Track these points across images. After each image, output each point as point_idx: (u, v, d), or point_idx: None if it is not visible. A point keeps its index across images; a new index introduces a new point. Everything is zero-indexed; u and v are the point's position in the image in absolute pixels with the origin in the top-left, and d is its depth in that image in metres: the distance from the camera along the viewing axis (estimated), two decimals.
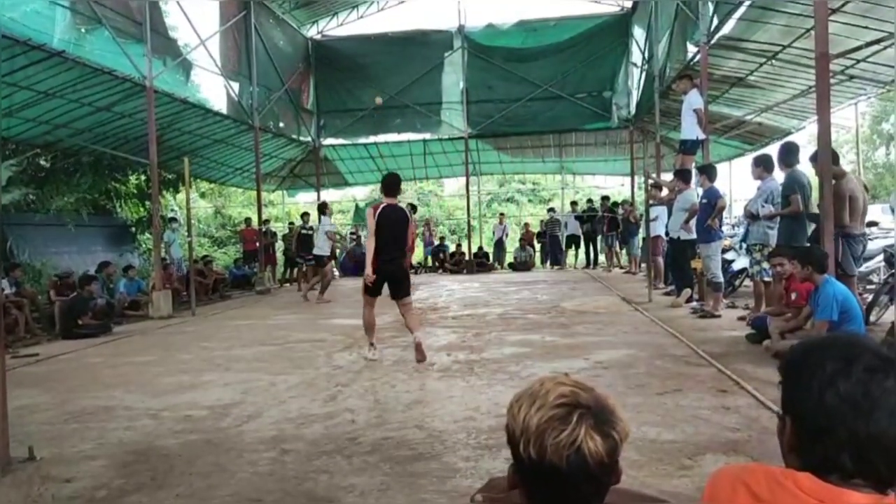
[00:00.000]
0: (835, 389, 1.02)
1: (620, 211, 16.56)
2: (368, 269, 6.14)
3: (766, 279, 7.50)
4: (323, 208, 12.39)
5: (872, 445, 1.00)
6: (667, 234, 10.20)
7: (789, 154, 7.18)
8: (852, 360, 1.03)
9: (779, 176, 7.41)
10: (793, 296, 6.26)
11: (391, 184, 6.38)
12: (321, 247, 12.17)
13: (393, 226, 6.18)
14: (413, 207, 16.76)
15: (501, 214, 22.32)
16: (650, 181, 11.56)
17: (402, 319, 6.40)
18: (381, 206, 6.25)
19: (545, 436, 1.03)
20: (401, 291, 6.29)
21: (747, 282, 9.37)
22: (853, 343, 1.08)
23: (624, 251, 17.12)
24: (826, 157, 5.72)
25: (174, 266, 14.00)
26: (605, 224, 17.04)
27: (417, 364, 5.95)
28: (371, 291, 6.28)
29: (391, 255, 6.19)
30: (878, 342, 1.10)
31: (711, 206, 8.36)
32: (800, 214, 6.90)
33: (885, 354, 1.04)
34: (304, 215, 14.64)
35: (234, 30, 15.69)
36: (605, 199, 18.21)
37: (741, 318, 7.56)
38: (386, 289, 6.33)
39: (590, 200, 18.97)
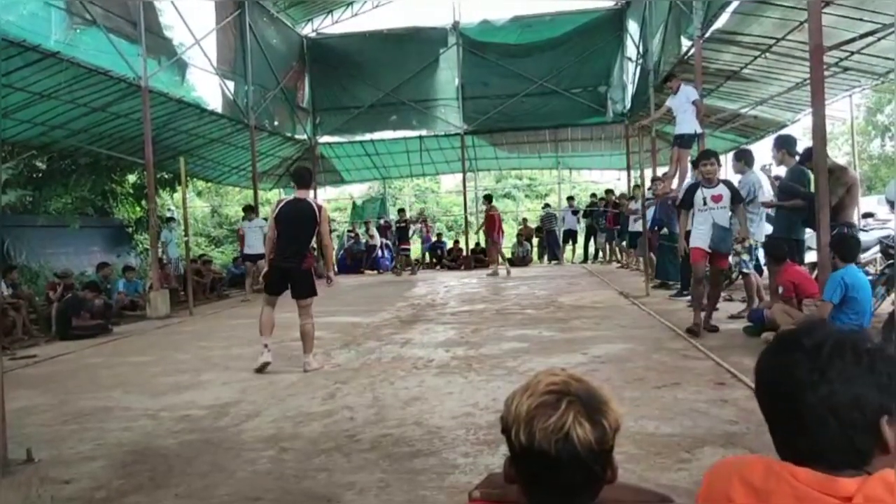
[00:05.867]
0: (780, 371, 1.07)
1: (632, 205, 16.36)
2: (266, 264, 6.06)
3: (745, 271, 7.51)
4: (249, 210, 13.99)
5: (824, 416, 1.01)
6: (662, 228, 10.17)
7: (790, 144, 7.10)
8: (811, 344, 1.06)
9: (772, 169, 7.40)
10: (780, 290, 6.27)
11: (298, 175, 6.26)
12: (252, 245, 12.69)
13: (293, 221, 5.94)
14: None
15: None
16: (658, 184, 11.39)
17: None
18: (284, 199, 6.19)
19: (534, 422, 1.04)
20: (295, 291, 6.05)
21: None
22: (811, 328, 1.11)
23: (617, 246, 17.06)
24: (821, 149, 5.72)
25: (171, 266, 14.00)
26: (609, 219, 16.85)
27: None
28: (268, 289, 6.15)
29: (288, 252, 5.96)
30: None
31: None
32: (803, 208, 6.85)
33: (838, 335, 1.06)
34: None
35: (229, 29, 15.65)
36: (609, 192, 18.00)
37: (732, 317, 7.37)
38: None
39: (593, 195, 18.86)
